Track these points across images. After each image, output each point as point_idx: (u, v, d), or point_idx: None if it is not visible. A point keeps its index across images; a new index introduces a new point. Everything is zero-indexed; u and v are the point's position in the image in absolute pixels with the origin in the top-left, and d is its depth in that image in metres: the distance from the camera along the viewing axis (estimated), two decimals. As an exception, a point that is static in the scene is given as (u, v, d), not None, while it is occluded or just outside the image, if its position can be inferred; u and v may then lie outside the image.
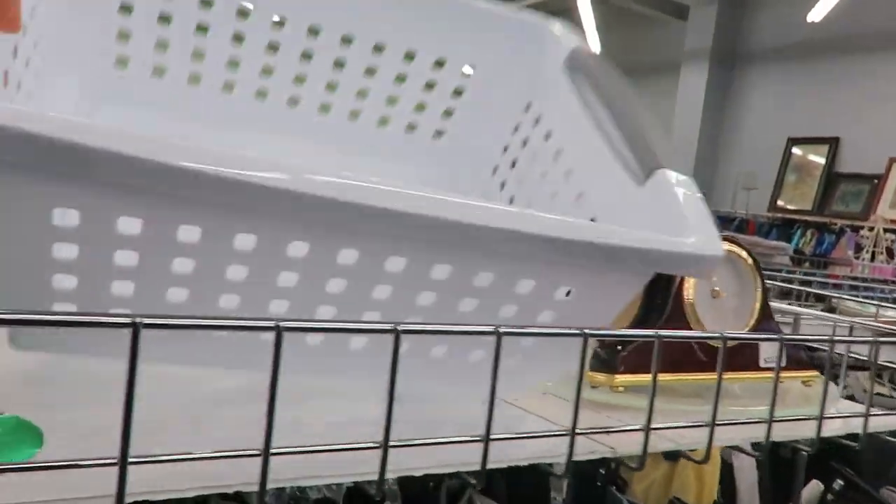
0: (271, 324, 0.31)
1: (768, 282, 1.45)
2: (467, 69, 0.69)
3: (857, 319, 0.72)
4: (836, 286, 2.28)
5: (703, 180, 5.68)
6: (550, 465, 0.54)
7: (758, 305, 0.58)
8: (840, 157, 5.03)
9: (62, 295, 0.36)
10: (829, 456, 0.87)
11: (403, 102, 0.67)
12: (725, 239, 0.58)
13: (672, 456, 0.93)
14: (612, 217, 0.49)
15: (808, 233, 4.84)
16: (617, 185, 0.51)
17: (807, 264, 3.24)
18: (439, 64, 0.67)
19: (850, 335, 0.66)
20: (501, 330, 0.36)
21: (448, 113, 0.69)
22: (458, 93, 0.68)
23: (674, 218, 0.45)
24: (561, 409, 0.53)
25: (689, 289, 0.55)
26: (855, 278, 2.90)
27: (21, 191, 0.31)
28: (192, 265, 0.36)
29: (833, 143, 5.03)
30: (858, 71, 4.92)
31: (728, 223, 5.13)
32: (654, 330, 0.42)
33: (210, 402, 0.44)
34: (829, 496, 0.90)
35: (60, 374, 0.44)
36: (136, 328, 0.28)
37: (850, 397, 1.21)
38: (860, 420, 0.54)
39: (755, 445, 0.49)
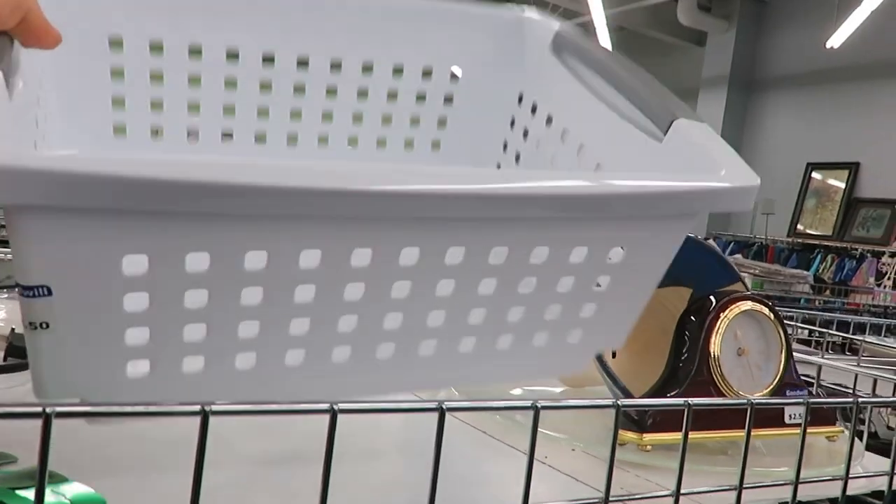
0: (325, 406, 0.33)
1: (788, 322, 1.45)
2: (457, 69, 0.68)
3: (879, 372, 0.72)
4: (856, 314, 2.26)
5: (721, 205, 5.66)
6: None
7: (782, 362, 0.59)
8: (860, 182, 5.01)
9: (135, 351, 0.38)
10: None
11: (398, 119, 0.67)
12: (751, 298, 0.60)
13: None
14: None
15: (829, 258, 4.81)
16: (636, 147, 0.51)
17: (827, 292, 3.22)
18: (427, 74, 0.67)
19: (875, 388, 0.67)
20: (539, 405, 0.38)
21: (442, 122, 0.68)
22: (448, 100, 0.68)
23: (702, 161, 0.45)
24: (590, 467, 0.55)
25: (715, 346, 0.57)
26: (876, 307, 2.88)
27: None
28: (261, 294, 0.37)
29: (853, 168, 5.01)
30: (878, 96, 4.91)
31: (747, 248, 5.11)
32: (684, 399, 0.43)
33: (261, 467, 0.46)
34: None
35: (115, 433, 0.47)
36: (205, 415, 0.30)
37: (874, 434, 1.21)
38: (885, 478, 0.54)
39: (781, 506, 0.50)
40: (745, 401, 0.45)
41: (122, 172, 0.30)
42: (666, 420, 0.54)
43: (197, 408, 0.30)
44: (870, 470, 0.57)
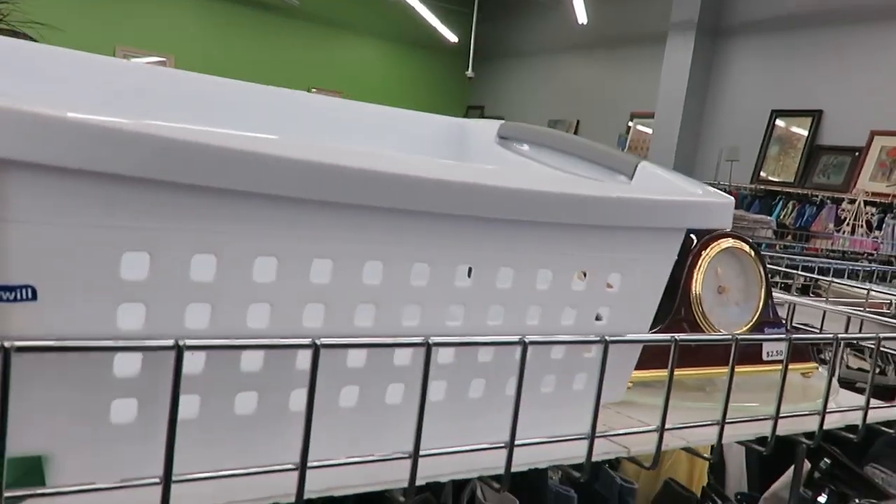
0: (307, 341, 0.31)
1: (774, 267, 1.47)
2: None
3: (849, 309, 0.73)
4: (814, 258, 2.31)
5: (687, 152, 5.71)
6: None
7: (761, 300, 0.59)
8: (823, 129, 5.06)
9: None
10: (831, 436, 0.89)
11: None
12: (732, 236, 0.59)
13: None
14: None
15: (790, 204, 4.89)
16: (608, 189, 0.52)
17: (789, 237, 3.28)
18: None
19: (848, 326, 0.67)
20: (527, 340, 0.37)
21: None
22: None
23: (676, 189, 0.47)
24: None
25: (697, 284, 0.56)
26: (834, 251, 2.94)
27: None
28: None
29: (816, 116, 5.06)
30: (842, 43, 4.94)
31: (711, 195, 5.16)
32: (671, 334, 0.43)
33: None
34: (817, 474, 0.92)
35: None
36: (179, 350, 0.28)
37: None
38: (858, 413, 0.55)
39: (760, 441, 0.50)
40: (729, 337, 0.45)
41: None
42: (647, 358, 0.53)
43: (170, 342, 0.28)
44: (843, 405, 0.58)
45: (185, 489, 0.29)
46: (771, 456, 1.03)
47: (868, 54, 4.78)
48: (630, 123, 6.40)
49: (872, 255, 3.03)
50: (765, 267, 0.60)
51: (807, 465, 0.93)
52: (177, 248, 0.29)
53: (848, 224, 3.52)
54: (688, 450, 0.48)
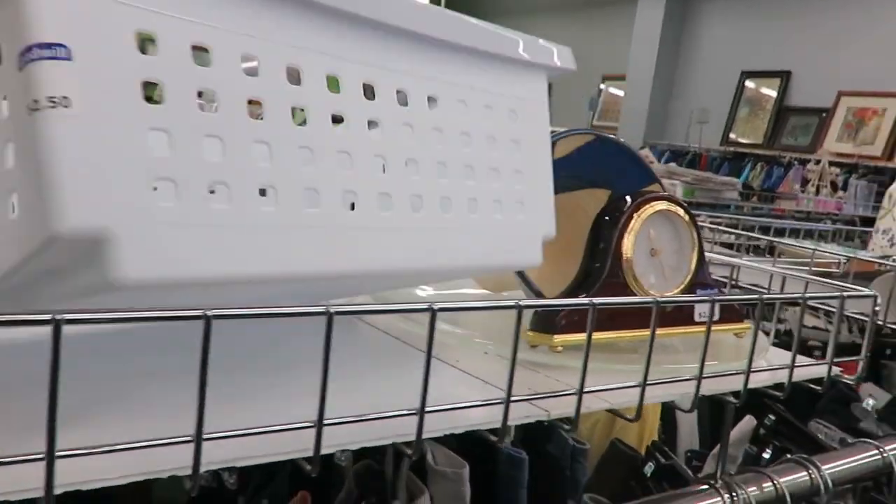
0: (199, 312, 0.31)
1: (714, 224, 1.49)
2: None
3: (790, 270, 0.74)
4: (780, 219, 2.35)
5: (658, 114, 5.72)
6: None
7: (694, 262, 0.59)
8: (791, 90, 5.09)
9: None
10: (761, 393, 0.91)
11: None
12: (665, 198, 0.59)
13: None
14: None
15: (758, 166, 4.93)
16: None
17: (755, 199, 3.31)
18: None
19: (784, 285, 0.68)
20: (436, 307, 0.37)
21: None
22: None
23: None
24: (501, 370, 0.54)
25: (628, 246, 0.56)
26: (800, 212, 2.98)
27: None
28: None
29: (784, 77, 5.08)
30: (810, 4, 4.94)
31: (681, 157, 5.19)
32: (589, 298, 0.43)
33: (141, 384, 0.44)
34: (762, 431, 0.94)
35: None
36: (57, 324, 0.27)
37: (789, 332, 1.26)
38: (786, 371, 0.56)
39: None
40: (650, 299, 0.45)
41: None
42: (578, 321, 0.53)
43: (49, 317, 0.28)
44: (774, 363, 0.59)
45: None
46: (721, 414, 1.05)
47: (836, 14, 4.79)
48: (602, 86, 6.38)
49: (836, 215, 3.08)
50: (698, 230, 0.60)
51: (752, 421, 0.95)
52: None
53: (813, 185, 3.56)
54: (611, 411, 0.48)
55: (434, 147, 0.44)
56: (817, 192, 3.49)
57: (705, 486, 0.56)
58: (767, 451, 0.90)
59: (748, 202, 3.15)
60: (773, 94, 5.14)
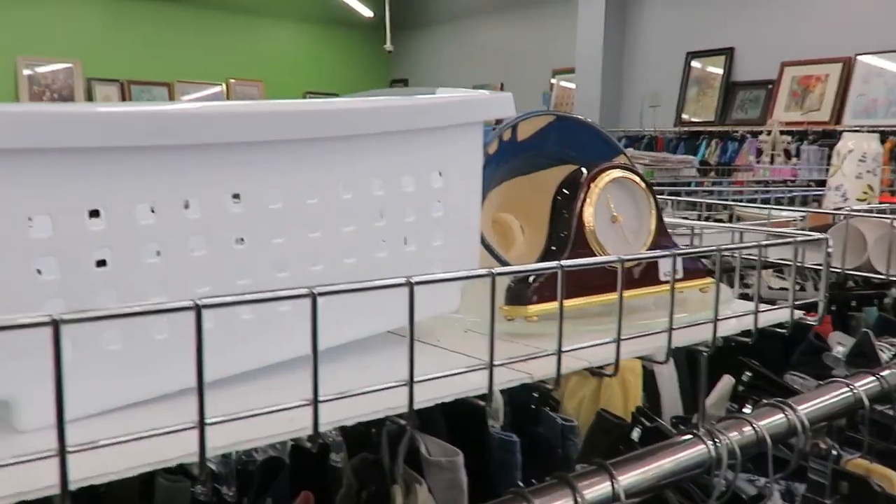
0: (189, 303, 0.32)
1: (675, 197, 1.53)
2: None
3: (746, 226, 0.77)
4: (739, 192, 2.41)
5: (610, 103, 5.80)
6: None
7: (653, 225, 0.62)
8: (736, 66, 5.21)
9: None
10: (737, 352, 0.94)
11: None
12: (620, 167, 0.62)
13: (597, 373, 0.99)
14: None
15: (713, 143, 5.03)
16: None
17: (712, 174, 3.39)
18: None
19: (742, 241, 0.71)
20: (413, 280, 0.39)
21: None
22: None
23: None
24: (483, 344, 0.56)
25: (589, 215, 0.59)
26: (758, 182, 3.06)
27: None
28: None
29: (729, 54, 5.20)
30: (747, -20, 5.06)
31: (638, 142, 5.28)
32: (557, 262, 0.45)
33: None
34: (741, 388, 0.98)
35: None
36: (56, 325, 0.29)
37: (766, 301, 1.30)
38: (751, 317, 0.59)
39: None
40: (614, 258, 0.47)
41: None
42: (549, 291, 0.56)
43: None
44: (739, 312, 0.62)
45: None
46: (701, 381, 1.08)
47: (771, -12, 4.92)
48: (553, 81, 6.46)
49: (793, 181, 3.16)
50: (654, 195, 0.63)
51: (731, 380, 0.99)
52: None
53: (767, 155, 3.65)
54: (590, 370, 0.50)
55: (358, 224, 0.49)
56: (772, 161, 3.57)
57: (689, 437, 0.58)
58: (747, 406, 0.93)
59: (707, 178, 3.22)
60: (720, 71, 5.25)
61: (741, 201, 1.61)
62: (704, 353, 0.56)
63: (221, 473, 0.72)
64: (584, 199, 0.58)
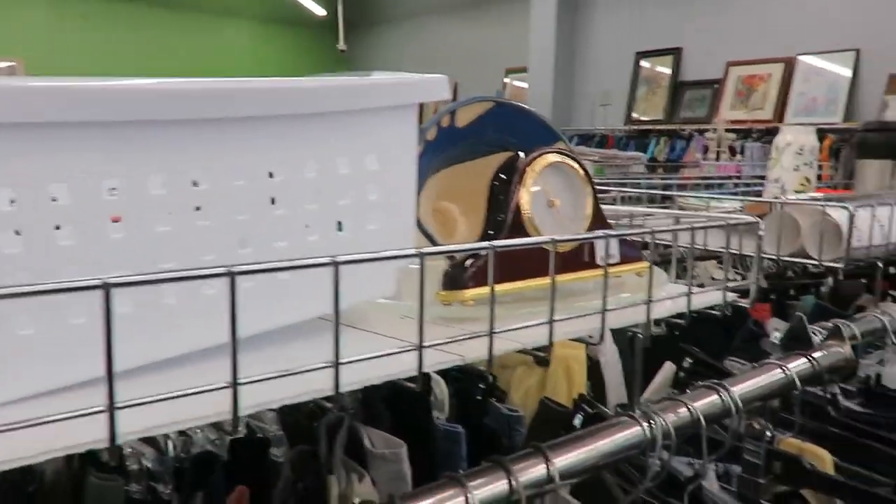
0: (98, 282, 0.31)
1: (624, 189, 1.55)
2: None
3: (683, 213, 0.78)
4: (682, 187, 2.46)
5: (562, 102, 5.86)
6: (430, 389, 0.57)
7: (590, 209, 0.62)
8: (684, 66, 5.31)
9: None
10: (680, 340, 0.96)
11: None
12: (556, 152, 0.62)
13: (544, 362, 0.99)
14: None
15: (662, 141, 5.12)
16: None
17: (661, 170, 3.45)
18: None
19: (677, 221, 0.72)
20: (339, 260, 0.38)
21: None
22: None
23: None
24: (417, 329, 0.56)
25: (525, 200, 0.59)
26: (704, 178, 3.12)
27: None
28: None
29: (676, 54, 5.30)
30: (693, -19, 5.17)
31: (589, 140, 5.35)
32: (489, 242, 0.45)
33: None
34: (682, 374, 0.99)
35: None
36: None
37: (701, 286, 1.33)
38: (685, 300, 0.60)
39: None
40: (548, 238, 0.47)
41: None
42: (486, 275, 0.55)
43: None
44: (673, 294, 0.63)
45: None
46: (645, 365, 1.09)
47: (716, -11, 5.03)
48: (506, 80, 6.50)
49: (738, 177, 3.23)
50: (591, 180, 0.63)
51: (672, 367, 1.00)
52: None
53: (713, 152, 3.73)
54: (523, 351, 0.50)
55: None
56: (717, 158, 3.65)
57: (624, 418, 0.59)
58: (688, 391, 0.95)
59: (655, 174, 3.27)
60: (668, 71, 5.35)
61: (684, 189, 1.65)
62: (639, 336, 0.57)
63: (157, 471, 0.70)
64: (521, 184, 0.58)
